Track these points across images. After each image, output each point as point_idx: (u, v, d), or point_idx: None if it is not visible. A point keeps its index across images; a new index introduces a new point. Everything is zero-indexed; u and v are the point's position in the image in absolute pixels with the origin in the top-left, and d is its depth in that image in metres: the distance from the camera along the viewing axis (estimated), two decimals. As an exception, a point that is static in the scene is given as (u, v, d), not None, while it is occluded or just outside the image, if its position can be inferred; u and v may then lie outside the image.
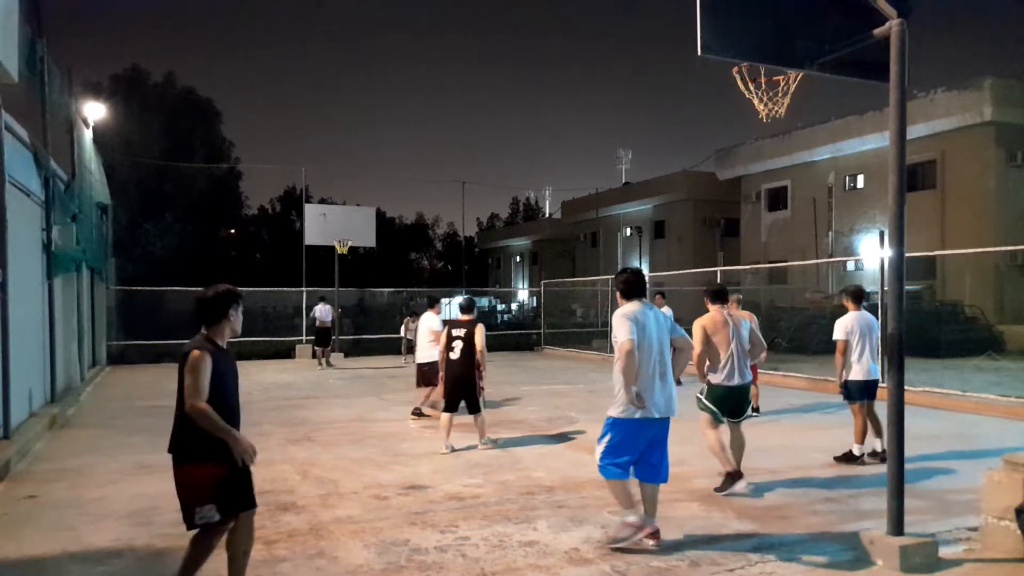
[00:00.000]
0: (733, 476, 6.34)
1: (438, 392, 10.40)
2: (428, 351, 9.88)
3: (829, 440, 8.35)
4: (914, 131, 20.88)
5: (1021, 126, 23.58)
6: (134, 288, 22.78)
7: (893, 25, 4.74)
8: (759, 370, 10.80)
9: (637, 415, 4.87)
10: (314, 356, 20.09)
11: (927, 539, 4.69)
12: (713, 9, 4.64)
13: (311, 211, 24.49)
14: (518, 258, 57.83)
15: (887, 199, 4.97)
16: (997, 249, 18.63)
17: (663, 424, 5.02)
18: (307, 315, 22.32)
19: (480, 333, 8.17)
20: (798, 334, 21.01)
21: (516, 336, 26.68)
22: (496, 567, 4.64)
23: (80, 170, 13.73)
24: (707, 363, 6.51)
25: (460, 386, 8.18)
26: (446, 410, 8.22)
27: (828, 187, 29.19)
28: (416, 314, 21.69)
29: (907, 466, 4.98)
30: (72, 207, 12.58)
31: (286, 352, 21.95)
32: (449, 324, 8.50)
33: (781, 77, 6.56)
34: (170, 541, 4.96)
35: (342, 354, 21.80)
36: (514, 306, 42.54)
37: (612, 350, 5.29)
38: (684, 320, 6.82)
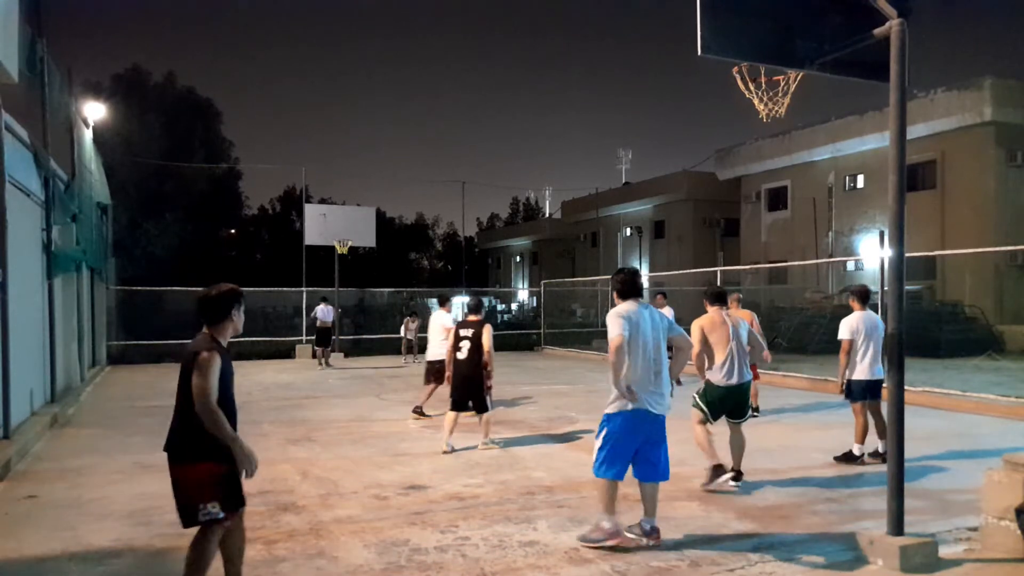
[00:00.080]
0: (718, 470, 6.42)
1: (426, 392, 10.43)
2: (439, 348, 9.88)
3: (829, 440, 8.35)
4: (914, 131, 20.86)
5: (1021, 126, 23.58)
6: (134, 288, 22.79)
7: (893, 25, 4.74)
8: (760, 370, 10.81)
9: (629, 407, 4.93)
10: (314, 356, 20.10)
11: (927, 539, 4.69)
12: (713, 9, 4.64)
13: (311, 211, 24.50)
14: (518, 258, 57.83)
15: (887, 199, 4.96)
16: (997, 249, 18.64)
17: (658, 421, 5.04)
18: (307, 315, 22.35)
19: (488, 333, 8.20)
20: (798, 334, 21.02)
21: (516, 336, 26.68)
22: (496, 567, 4.64)
23: (80, 170, 13.73)
24: (706, 362, 6.54)
25: (468, 386, 8.19)
26: (453, 409, 8.25)
27: (828, 187, 29.18)
28: (416, 314, 21.75)
29: (907, 466, 4.98)
30: (72, 207, 12.58)
31: (286, 352, 21.95)
32: (457, 324, 8.54)
33: (781, 77, 6.55)
34: (170, 541, 4.96)
35: (342, 354, 21.81)
36: (514, 306, 42.56)
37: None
38: (684, 320, 6.85)
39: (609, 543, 4.94)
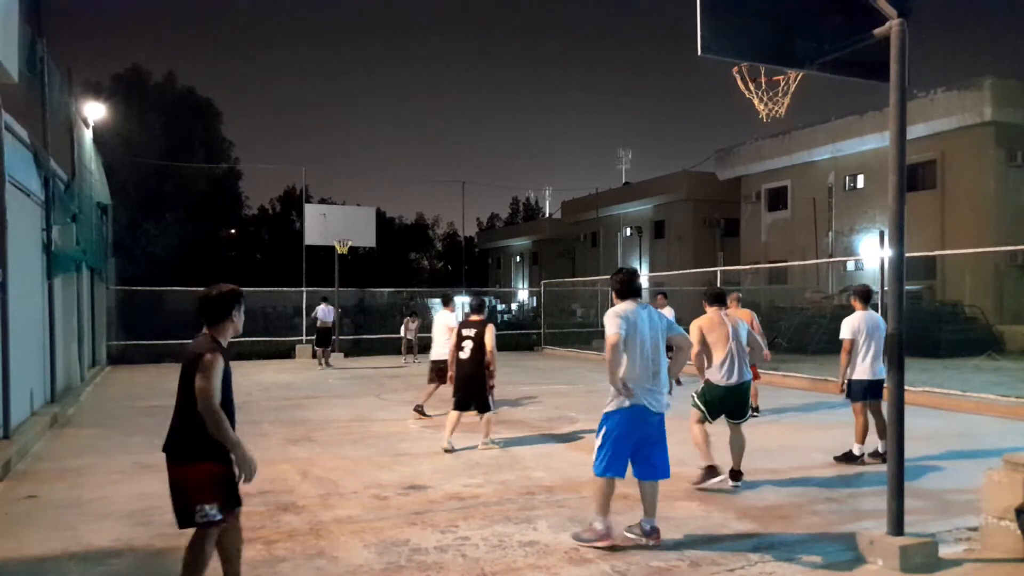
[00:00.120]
0: (712, 471, 6.48)
1: (427, 391, 10.44)
2: (443, 348, 9.90)
3: (829, 440, 8.35)
4: (914, 131, 20.87)
5: (1021, 126, 23.58)
6: (134, 288, 22.78)
7: (893, 25, 4.74)
8: (760, 370, 10.82)
9: (627, 404, 4.96)
10: (314, 356, 20.10)
11: (927, 539, 4.69)
12: (713, 9, 4.64)
13: (311, 211, 24.50)
14: (518, 258, 57.83)
15: (887, 199, 4.96)
16: (997, 249, 18.64)
17: (656, 419, 5.06)
18: (307, 315, 22.35)
19: (491, 333, 8.22)
20: (798, 334, 21.02)
21: (516, 336, 26.67)
22: (496, 567, 4.64)
23: (80, 170, 13.72)
24: (705, 362, 6.57)
25: (470, 386, 8.21)
26: (456, 408, 8.26)
27: (828, 187, 29.18)
28: (416, 314, 21.76)
29: (907, 466, 4.98)
30: (72, 207, 12.58)
31: (286, 352, 21.95)
32: (460, 324, 8.55)
33: (781, 77, 6.54)
34: (170, 541, 4.95)
35: (342, 354, 21.81)
36: (514, 306, 42.56)
37: None
38: (684, 321, 6.87)
39: (599, 544, 4.96)
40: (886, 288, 10.41)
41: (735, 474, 6.62)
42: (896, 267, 4.97)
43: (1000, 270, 23.44)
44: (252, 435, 9.00)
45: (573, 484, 6.67)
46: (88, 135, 15.67)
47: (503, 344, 24.87)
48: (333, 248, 23.21)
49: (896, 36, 4.74)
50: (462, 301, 23.61)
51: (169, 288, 22.40)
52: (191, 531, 3.75)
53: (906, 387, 5.10)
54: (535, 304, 34.89)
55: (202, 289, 4.00)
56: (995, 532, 4.72)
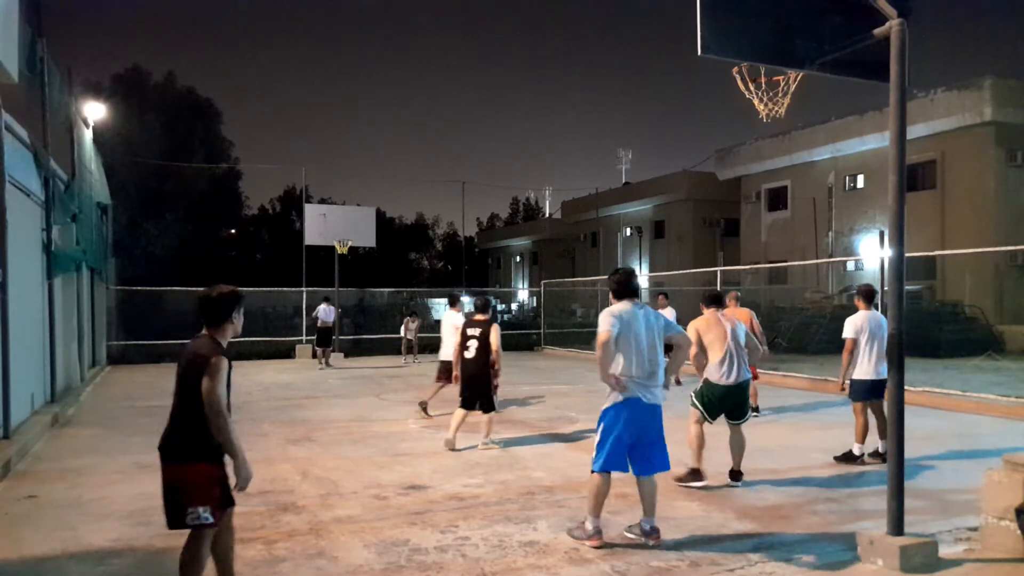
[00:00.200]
0: (697, 473, 6.57)
1: (433, 388, 10.46)
2: (451, 348, 9.93)
3: (829, 440, 8.35)
4: (914, 131, 20.88)
5: (1021, 126, 23.59)
6: (134, 288, 22.78)
7: (893, 25, 4.74)
8: (760, 370, 10.82)
9: (621, 398, 5.01)
10: (314, 356, 20.10)
11: (927, 539, 4.69)
12: (713, 9, 4.64)
13: (311, 211, 24.50)
14: (518, 258, 57.83)
15: (887, 199, 4.96)
16: (997, 249, 18.64)
17: (652, 413, 5.07)
18: (308, 315, 22.35)
19: (495, 333, 8.25)
20: (798, 334, 21.02)
21: (516, 336, 26.66)
22: (496, 567, 4.64)
23: (80, 170, 13.72)
24: (704, 362, 6.60)
25: (475, 385, 8.24)
26: (462, 407, 8.30)
27: (828, 187, 29.19)
28: (416, 314, 21.76)
29: (907, 466, 4.98)
30: (72, 207, 12.57)
31: (286, 352, 21.94)
32: (464, 323, 8.57)
33: (781, 77, 6.54)
34: (170, 541, 4.94)
35: (342, 354, 21.80)
36: (514, 306, 42.56)
37: None
38: (684, 322, 6.89)
39: (588, 543, 4.98)
40: (886, 288, 10.41)
41: (735, 474, 6.64)
42: (896, 267, 4.97)
43: (1000, 270, 23.45)
44: (252, 435, 9.01)
45: (573, 484, 6.66)
46: (88, 135, 15.67)
47: (503, 344, 24.84)
48: (333, 248, 23.21)
49: (896, 36, 4.74)
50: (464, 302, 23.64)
51: (169, 288, 22.39)
52: (189, 531, 3.75)
53: (906, 387, 5.10)
54: (535, 304, 34.88)
55: (202, 289, 4.01)
56: (995, 532, 4.72)
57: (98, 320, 18.56)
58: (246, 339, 21.06)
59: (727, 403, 6.59)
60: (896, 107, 4.81)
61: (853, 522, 5.47)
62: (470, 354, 8.21)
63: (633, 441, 5.05)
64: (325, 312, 19.08)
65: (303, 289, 23.65)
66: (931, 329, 18.96)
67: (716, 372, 6.54)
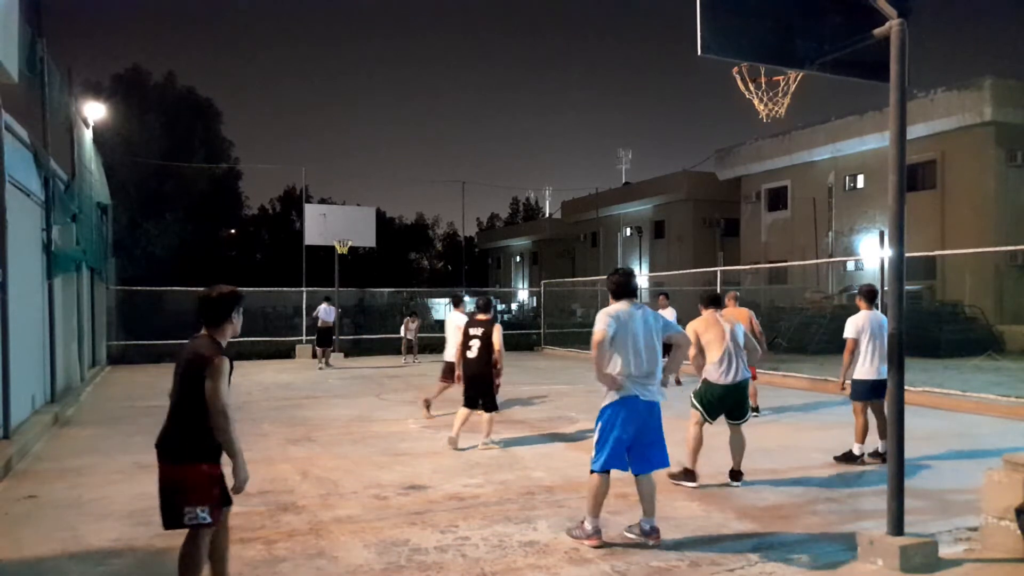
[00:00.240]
0: (690, 474, 6.60)
1: (438, 387, 10.47)
2: (455, 348, 9.96)
3: (829, 440, 8.35)
4: (914, 131, 20.89)
5: (1021, 126, 23.60)
6: (134, 288, 22.77)
7: (893, 25, 4.74)
8: (760, 370, 10.82)
9: (617, 396, 5.03)
10: (315, 356, 20.09)
11: (927, 539, 4.69)
12: (713, 9, 4.64)
13: (311, 211, 24.50)
14: (518, 258, 57.84)
15: (887, 199, 4.96)
16: (997, 249, 18.64)
17: (649, 410, 5.07)
18: (308, 315, 22.35)
19: (498, 332, 8.30)
20: (798, 334, 21.02)
21: (516, 336, 26.66)
22: (496, 567, 4.64)
23: (80, 170, 13.72)
24: (703, 361, 6.63)
25: (477, 384, 8.27)
26: (466, 405, 8.34)
27: (828, 187, 29.19)
28: (416, 314, 21.76)
29: (907, 466, 4.98)
30: (72, 207, 12.58)
31: (286, 352, 21.94)
32: (466, 323, 8.60)
33: (781, 77, 6.54)
34: (170, 541, 4.93)
35: (342, 354, 21.80)
36: (514, 306, 42.56)
37: None
38: (684, 322, 6.91)
39: (587, 543, 4.99)
40: (886, 288, 10.41)
41: (735, 474, 6.64)
42: (896, 267, 4.97)
43: (1000, 270, 23.45)
44: (252, 435, 9.01)
45: (573, 484, 6.66)
46: (88, 135, 15.67)
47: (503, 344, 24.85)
48: (333, 248, 23.21)
49: (896, 36, 4.74)
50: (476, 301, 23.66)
51: (169, 288, 22.38)
52: (187, 531, 3.76)
53: (906, 387, 5.10)
54: (535, 304, 34.88)
55: (202, 289, 4.01)
56: (995, 532, 4.72)
57: (98, 320, 18.56)
58: (246, 339, 21.05)
59: (726, 403, 6.59)
60: (896, 107, 4.81)
61: (853, 522, 5.47)
62: (472, 354, 8.25)
63: (632, 439, 5.05)
64: (326, 312, 19.08)
65: (303, 289, 23.64)
66: (931, 329, 18.96)
67: (714, 372, 6.56)
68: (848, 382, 7.71)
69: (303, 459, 7.88)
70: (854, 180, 28.61)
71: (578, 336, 25.40)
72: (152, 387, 14.33)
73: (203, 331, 3.87)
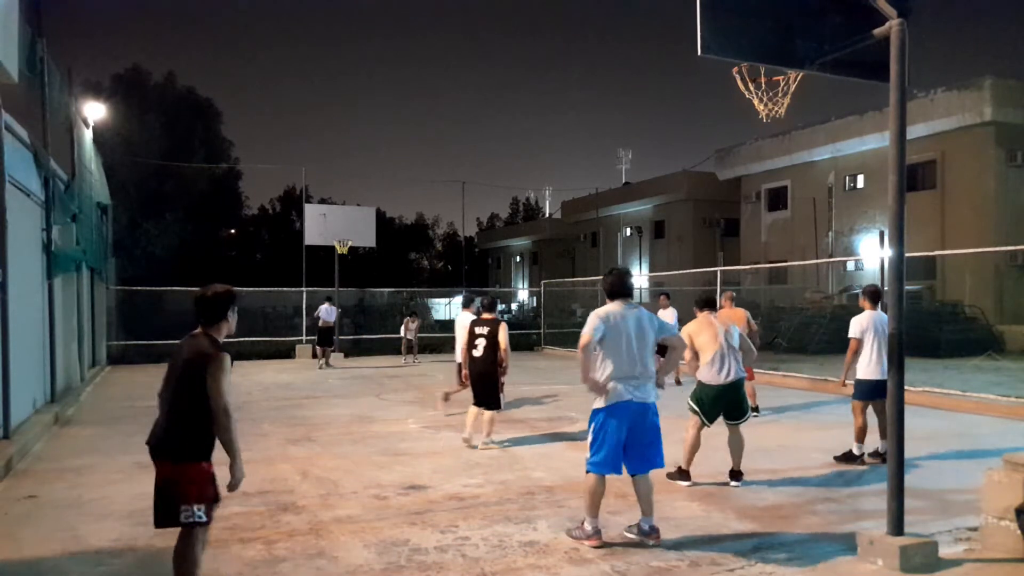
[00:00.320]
0: (685, 474, 6.65)
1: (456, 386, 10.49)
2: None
3: (829, 440, 8.35)
4: (914, 131, 20.88)
5: (1021, 126, 23.60)
6: (134, 288, 22.78)
7: (893, 25, 4.74)
8: (760, 370, 10.83)
9: (604, 403, 5.04)
10: (315, 355, 20.09)
11: (927, 539, 4.69)
12: (713, 9, 4.64)
13: (311, 211, 24.50)
14: (518, 258, 57.84)
15: (887, 199, 4.96)
16: (997, 249, 18.64)
17: (644, 412, 5.05)
18: (308, 315, 22.35)
19: (504, 331, 8.39)
20: (798, 334, 21.02)
21: (516, 336, 26.62)
22: (496, 567, 4.64)
23: (80, 170, 13.72)
24: (696, 362, 6.66)
25: (483, 382, 8.32)
26: (475, 404, 8.39)
27: (828, 187, 29.19)
28: (416, 314, 21.76)
29: (907, 466, 4.99)
30: (72, 207, 12.58)
31: (286, 352, 21.94)
32: (472, 322, 8.64)
33: (781, 77, 6.55)
34: (170, 541, 4.91)
35: (342, 354, 21.81)
36: (514, 306, 42.56)
37: None
38: (685, 322, 6.91)
39: (587, 543, 4.99)
40: (886, 288, 10.42)
41: (735, 474, 6.64)
42: (896, 267, 4.97)
43: (1000, 270, 23.45)
44: (252, 435, 9.01)
45: (573, 484, 6.66)
46: (88, 135, 15.67)
47: (503, 344, 24.83)
48: (333, 248, 23.21)
49: (896, 36, 4.74)
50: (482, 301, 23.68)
51: (169, 288, 22.38)
52: (181, 530, 3.77)
53: (906, 387, 5.10)
54: (535, 304, 34.88)
55: (197, 289, 4.04)
56: (995, 532, 4.72)
57: (98, 320, 18.56)
58: (246, 339, 21.07)
59: (722, 403, 6.60)
60: (896, 107, 4.81)
61: (853, 522, 5.47)
62: (478, 352, 8.31)
63: (628, 441, 5.04)
64: (327, 312, 19.10)
65: (303, 289, 23.64)
66: (931, 329, 18.96)
67: (708, 372, 6.60)
68: (849, 381, 7.72)
69: (303, 459, 7.88)
70: (854, 180, 28.61)
71: (578, 336, 25.34)
72: (152, 387, 14.23)
73: (198, 329, 3.89)
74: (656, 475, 5.32)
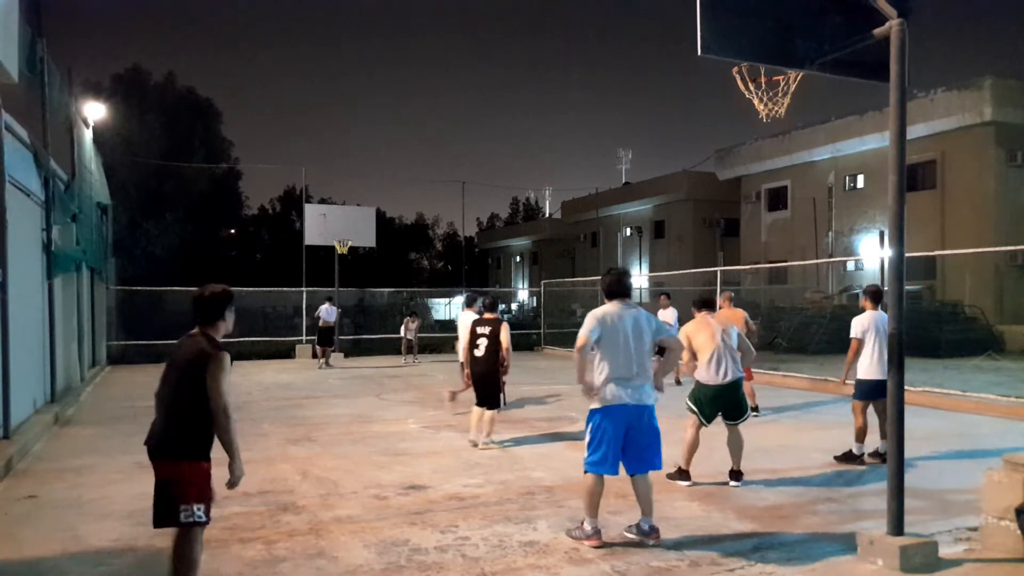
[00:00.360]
0: (684, 474, 6.66)
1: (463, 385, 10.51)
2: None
3: (829, 440, 8.35)
4: (914, 131, 20.87)
5: (1021, 126, 23.59)
6: (134, 288, 22.78)
7: (893, 25, 4.74)
8: (760, 370, 10.83)
9: (599, 405, 5.04)
10: (315, 355, 20.09)
11: (927, 539, 4.69)
12: (713, 9, 4.64)
13: (311, 211, 24.50)
14: (518, 258, 57.84)
15: (887, 199, 4.96)
16: (997, 249, 18.63)
17: (641, 413, 5.05)
18: (308, 315, 22.35)
19: (505, 331, 8.42)
20: (798, 334, 20.99)
21: (516, 336, 26.58)
22: (496, 567, 4.64)
23: (80, 170, 13.73)
24: (694, 363, 6.67)
25: (484, 381, 8.34)
26: (478, 404, 8.39)
27: (828, 187, 29.19)
28: (416, 314, 21.77)
29: (907, 466, 4.98)
30: (72, 207, 12.58)
31: (286, 352, 21.95)
32: (474, 322, 8.66)
33: (781, 77, 6.54)
34: (170, 541, 4.95)
35: (342, 354, 21.81)
36: (514, 306, 42.56)
37: None
38: (685, 322, 6.92)
39: (587, 543, 4.99)
40: (886, 288, 10.42)
41: (735, 474, 6.65)
42: (896, 267, 4.97)
43: (1000, 270, 23.44)
44: (252, 435, 9.01)
45: (573, 484, 6.65)
46: (88, 135, 15.67)
47: (503, 344, 24.84)
48: (333, 248, 23.21)
49: (896, 36, 4.74)
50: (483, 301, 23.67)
51: (169, 288, 22.38)
52: (179, 530, 3.77)
53: (906, 387, 5.10)
54: (535, 304, 34.88)
55: (195, 289, 4.06)
56: (995, 532, 4.72)
57: (98, 320, 18.56)
58: (246, 339, 21.08)
59: (720, 403, 6.61)
60: (896, 107, 4.81)
61: (853, 522, 5.47)
62: (480, 352, 8.33)
63: (625, 442, 5.04)
64: (327, 312, 19.10)
65: (303, 289, 23.64)
66: (931, 329, 18.95)
67: (705, 372, 6.61)
68: (849, 381, 7.72)
69: (303, 459, 7.88)
70: (854, 180, 28.61)
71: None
72: (152, 387, 14.26)
73: (196, 329, 3.90)
74: (656, 475, 5.32)
